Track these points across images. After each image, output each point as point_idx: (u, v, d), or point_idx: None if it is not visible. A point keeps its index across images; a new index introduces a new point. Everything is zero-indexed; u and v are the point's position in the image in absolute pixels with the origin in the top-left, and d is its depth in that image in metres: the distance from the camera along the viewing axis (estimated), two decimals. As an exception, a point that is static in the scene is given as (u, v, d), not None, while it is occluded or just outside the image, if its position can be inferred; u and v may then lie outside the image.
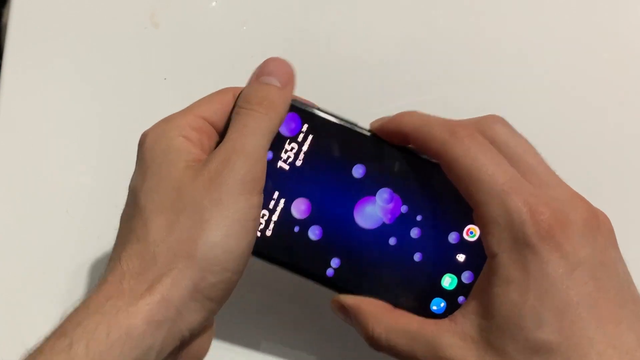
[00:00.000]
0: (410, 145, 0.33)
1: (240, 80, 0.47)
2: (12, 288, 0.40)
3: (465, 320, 0.28)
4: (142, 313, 0.27)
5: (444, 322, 0.29)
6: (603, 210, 0.30)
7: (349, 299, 0.32)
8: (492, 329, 0.27)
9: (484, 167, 0.28)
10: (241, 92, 0.33)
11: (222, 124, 0.32)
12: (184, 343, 0.29)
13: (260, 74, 0.33)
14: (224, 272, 0.28)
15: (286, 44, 0.48)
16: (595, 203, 0.30)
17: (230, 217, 0.28)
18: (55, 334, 0.27)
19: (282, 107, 0.32)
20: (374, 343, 0.30)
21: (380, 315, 0.31)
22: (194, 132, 0.31)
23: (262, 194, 0.30)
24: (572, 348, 0.26)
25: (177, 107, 0.46)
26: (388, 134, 0.32)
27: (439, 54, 0.48)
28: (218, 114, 0.32)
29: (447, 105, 0.46)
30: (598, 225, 0.28)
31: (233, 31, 0.49)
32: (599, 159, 0.45)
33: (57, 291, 0.39)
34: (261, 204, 0.30)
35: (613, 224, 0.30)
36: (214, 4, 0.50)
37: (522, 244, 0.27)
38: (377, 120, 0.33)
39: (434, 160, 0.31)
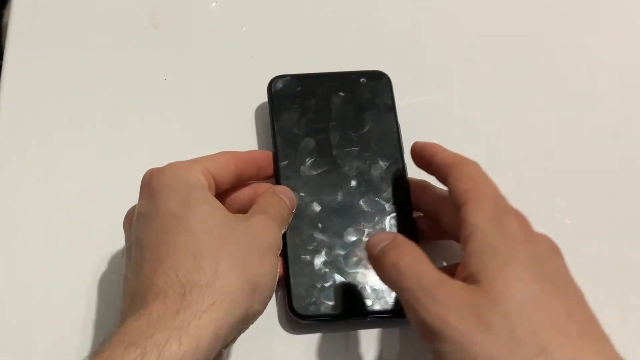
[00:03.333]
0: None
1: (240, 80, 0.47)
2: (12, 288, 0.40)
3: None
4: (210, 327, 0.29)
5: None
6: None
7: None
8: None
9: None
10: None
11: (222, 183, 0.36)
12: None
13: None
14: (260, 304, 0.32)
15: (286, 45, 0.48)
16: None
17: (267, 264, 0.33)
18: (123, 343, 0.28)
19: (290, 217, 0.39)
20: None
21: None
22: (205, 178, 0.35)
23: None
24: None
25: (176, 108, 0.46)
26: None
27: (438, 55, 0.48)
28: (221, 172, 0.36)
29: (445, 105, 0.46)
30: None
31: (233, 31, 0.49)
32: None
33: (57, 291, 0.39)
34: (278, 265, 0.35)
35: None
36: (214, 4, 0.50)
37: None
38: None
39: None
